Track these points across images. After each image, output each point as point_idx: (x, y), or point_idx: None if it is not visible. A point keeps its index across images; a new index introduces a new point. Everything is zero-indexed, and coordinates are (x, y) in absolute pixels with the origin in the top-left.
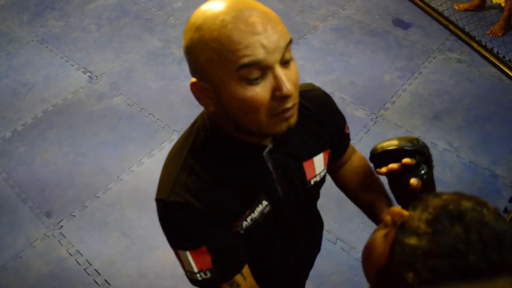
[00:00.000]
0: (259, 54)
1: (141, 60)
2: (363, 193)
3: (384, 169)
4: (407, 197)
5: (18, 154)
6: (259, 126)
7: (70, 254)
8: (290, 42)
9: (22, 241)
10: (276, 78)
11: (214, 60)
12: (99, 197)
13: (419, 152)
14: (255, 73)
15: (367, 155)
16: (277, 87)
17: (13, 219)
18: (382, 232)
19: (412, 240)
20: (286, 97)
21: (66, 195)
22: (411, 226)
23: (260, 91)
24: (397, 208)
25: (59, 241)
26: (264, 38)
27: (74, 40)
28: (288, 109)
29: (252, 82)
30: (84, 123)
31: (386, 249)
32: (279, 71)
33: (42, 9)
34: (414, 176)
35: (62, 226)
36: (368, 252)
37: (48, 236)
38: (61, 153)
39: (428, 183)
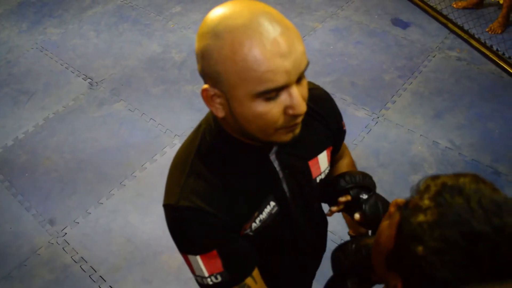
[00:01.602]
0: (282, 80)
1: (141, 66)
2: None
3: (330, 213)
4: (362, 225)
5: (20, 162)
6: (267, 136)
7: (74, 261)
8: (308, 65)
9: (26, 249)
10: (291, 97)
11: (232, 73)
12: (102, 203)
13: (356, 187)
14: (272, 94)
15: (369, 155)
16: (291, 106)
17: (17, 227)
18: (387, 221)
19: (418, 217)
20: (298, 116)
21: (69, 202)
22: (414, 205)
23: (274, 107)
24: (400, 199)
25: (63, 248)
26: (288, 62)
27: (74, 47)
28: (297, 124)
29: (268, 99)
30: (86, 129)
31: (392, 232)
32: (295, 90)
33: (41, 17)
34: (357, 209)
35: (66, 234)
36: (376, 241)
37: (52, 243)
38: (63, 160)
39: (372, 210)
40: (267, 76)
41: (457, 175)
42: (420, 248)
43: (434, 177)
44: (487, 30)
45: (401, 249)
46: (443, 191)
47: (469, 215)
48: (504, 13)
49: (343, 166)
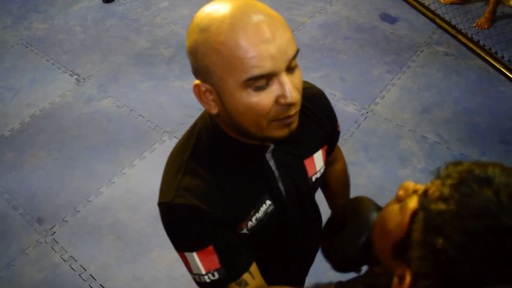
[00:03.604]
0: (267, 65)
1: (128, 61)
2: (334, 196)
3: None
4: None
5: (6, 160)
6: (260, 130)
7: (64, 260)
8: (297, 52)
9: (14, 248)
10: (281, 85)
11: (219, 65)
12: (91, 201)
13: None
14: (261, 82)
15: (358, 150)
16: (282, 95)
17: (4, 226)
18: (396, 206)
19: (439, 205)
20: (290, 105)
21: (58, 201)
22: (435, 192)
23: (265, 97)
24: (410, 182)
25: (52, 247)
26: (272, 47)
27: (60, 43)
28: (290, 116)
29: (258, 88)
30: (73, 126)
31: (405, 219)
32: (285, 78)
33: (25, 12)
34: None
35: (54, 232)
36: (381, 226)
37: (41, 242)
38: (50, 158)
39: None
40: (252, 63)
41: (484, 164)
42: (440, 241)
43: (457, 163)
44: (474, 25)
45: (415, 239)
46: (469, 180)
47: (497, 208)
48: (490, 9)
49: (337, 172)
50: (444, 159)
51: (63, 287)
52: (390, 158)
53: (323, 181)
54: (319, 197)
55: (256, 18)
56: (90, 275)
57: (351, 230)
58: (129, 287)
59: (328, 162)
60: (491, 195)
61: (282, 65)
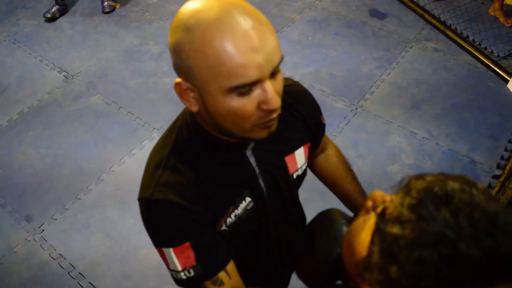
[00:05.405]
0: (254, 74)
1: (117, 58)
2: (339, 183)
3: None
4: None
5: None
6: (242, 132)
7: (52, 258)
8: (282, 59)
9: (2, 247)
10: (264, 92)
11: (204, 68)
12: (80, 198)
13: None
14: (245, 88)
15: (348, 146)
16: (264, 101)
17: None
18: (363, 219)
19: (394, 229)
20: (272, 111)
21: (46, 198)
22: (392, 212)
23: (248, 102)
24: (379, 192)
25: (40, 245)
26: (260, 56)
27: (48, 39)
28: (272, 120)
29: (241, 94)
30: (62, 123)
31: (367, 237)
32: (269, 85)
33: (13, 7)
34: None
35: (43, 230)
36: (348, 239)
37: (29, 240)
38: (39, 156)
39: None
40: (239, 71)
41: (445, 177)
42: (394, 269)
43: (419, 177)
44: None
45: (375, 262)
46: (426, 200)
47: (455, 233)
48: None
49: (332, 157)
50: (433, 155)
51: (52, 285)
52: (379, 154)
53: (323, 175)
54: (306, 195)
55: (245, 23)
56: (79, 273)
57: (321, 247)
58: (119, 284)
59: (319, 151)
60: (449, 217)
61: (267, 72)
